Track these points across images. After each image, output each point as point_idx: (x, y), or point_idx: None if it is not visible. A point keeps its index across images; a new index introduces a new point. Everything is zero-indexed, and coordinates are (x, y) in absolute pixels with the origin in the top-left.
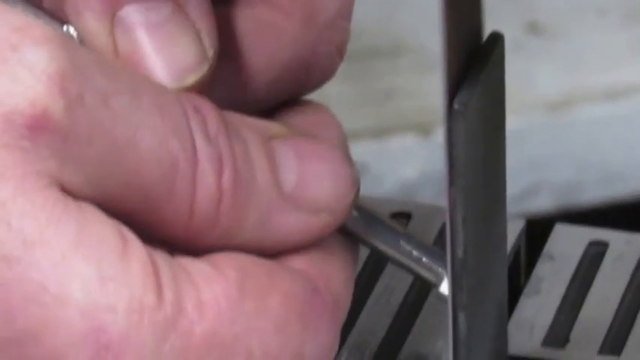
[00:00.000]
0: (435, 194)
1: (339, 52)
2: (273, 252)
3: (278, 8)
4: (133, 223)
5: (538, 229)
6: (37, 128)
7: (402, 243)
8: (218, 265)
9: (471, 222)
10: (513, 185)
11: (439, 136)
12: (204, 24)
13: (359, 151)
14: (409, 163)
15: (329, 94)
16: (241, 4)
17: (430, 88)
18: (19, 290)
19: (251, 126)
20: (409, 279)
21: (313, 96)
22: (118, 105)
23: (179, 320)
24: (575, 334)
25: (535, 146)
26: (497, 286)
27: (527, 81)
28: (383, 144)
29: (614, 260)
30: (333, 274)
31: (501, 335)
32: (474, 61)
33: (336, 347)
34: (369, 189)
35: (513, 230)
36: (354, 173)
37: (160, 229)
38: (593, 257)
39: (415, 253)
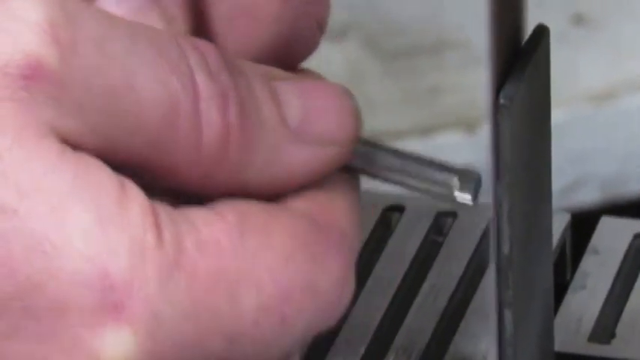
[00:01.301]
0: (481, 190)
1: (320, 26)
2: (283, 188)
3: None
4: (144, 172)
5: (583, 223)
6: (33, 77)
7: (410, 165)
8: (218, 210)
9: (517, 217)
10: (558, 179)
11: (485, 131)
12: (178, 11)
13: (405, 149)
14: (455, 160)
15: (373, 93)
16: None
17: (475, 83)
18: (19, 241)
19: (253, 66)
20: (455, 279)
21: (355, 93)
22: (114, 50)
23: (181, 259)
24: (621, 329)
25: (579, 139)
26: (543, 282)
27: (571, 73)
28: (429, 141)
29: None
30: (337, 211)
31: (548, 332)
32: (520, 55)
33: (352, 285)
34: None
35: (559, 224)
36: (355, 105)
37: (171, 173)
38: (639, 250)
39: (424, 171)
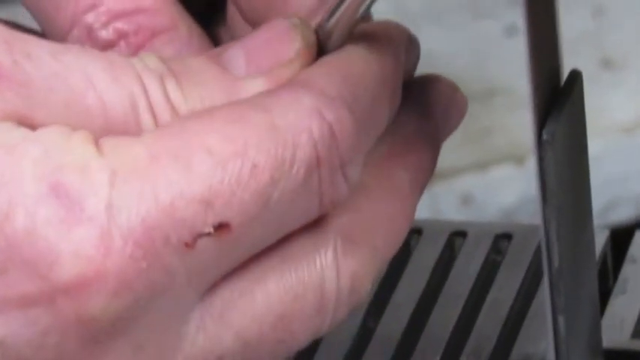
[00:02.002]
0: (532, 214)
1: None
2: None
3: None
4: None
5: (621, 237)
6: None
7: None
8: None
9: (564, 236)
10: (597, 200)
11: (532, 164)
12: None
13: (465, 183)
14: (508, 190)
15: None
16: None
17: (521, 123)
18: None
19: (205, 54)
20: (514, 291)
21: None
22: (68, 58)
23: (122, 158)
24: None
25: (613, 165)
26: (589, 290)
27: (603, 109)
28: (484, 175)
29: None
30: (301, 75)
31: (596, 332)
32: (558, 97)
33: (327, 118)
34: (476, 216)
35: (600, 239)
36: (292, 23)
37: None
38: None
39: None
